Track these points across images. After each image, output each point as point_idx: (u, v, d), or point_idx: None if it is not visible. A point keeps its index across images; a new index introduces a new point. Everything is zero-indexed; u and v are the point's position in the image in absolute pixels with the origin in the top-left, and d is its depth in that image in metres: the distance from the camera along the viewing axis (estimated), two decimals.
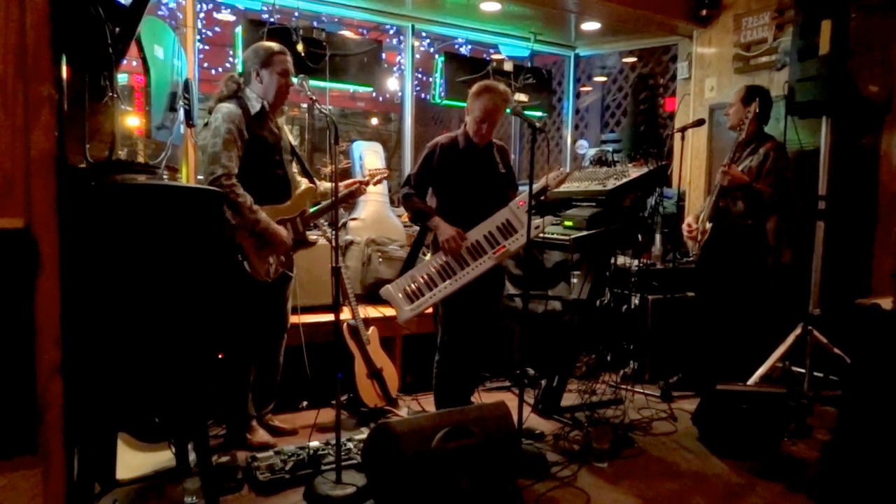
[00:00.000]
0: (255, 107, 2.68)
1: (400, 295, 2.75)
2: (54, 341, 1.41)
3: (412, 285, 2.76)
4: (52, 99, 1.37)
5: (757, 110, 3.34)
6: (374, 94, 5.23)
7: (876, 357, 2.36)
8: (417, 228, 4.12)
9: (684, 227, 3.70)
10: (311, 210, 2.90)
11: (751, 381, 3.33)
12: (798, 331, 3.41)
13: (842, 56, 3.11)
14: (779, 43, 4.06)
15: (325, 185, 3.02)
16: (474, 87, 2.84)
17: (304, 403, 3.31)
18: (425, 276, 2.76)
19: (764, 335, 3.53)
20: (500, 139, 3.08)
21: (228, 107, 2.62)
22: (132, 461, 2.42)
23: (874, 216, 3.56)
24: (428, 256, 3.01)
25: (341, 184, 3.00)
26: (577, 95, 5.86)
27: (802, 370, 3.45)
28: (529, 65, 5.18)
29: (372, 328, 3.26)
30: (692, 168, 4.69)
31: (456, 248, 2.72)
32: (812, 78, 3.28)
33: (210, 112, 2.67)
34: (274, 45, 2.76)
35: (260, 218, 2.60)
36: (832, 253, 3.52)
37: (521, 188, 2.98)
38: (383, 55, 4.42)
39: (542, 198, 2.93)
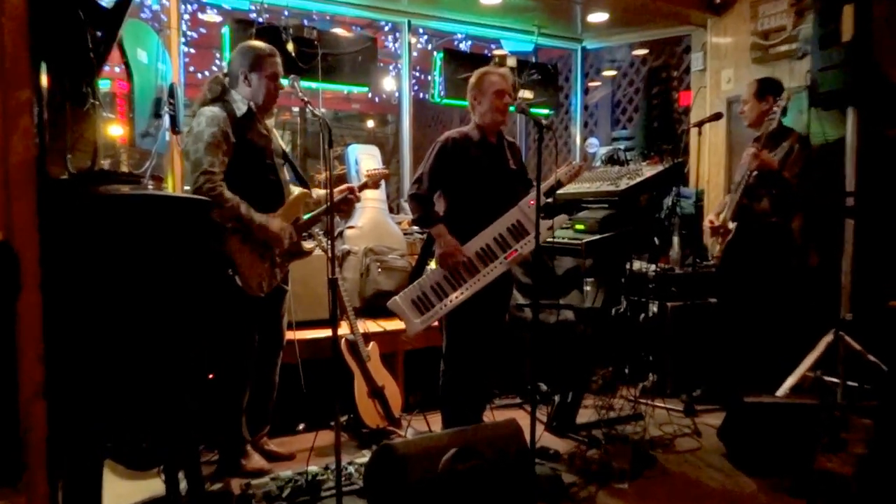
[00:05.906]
0: (241, 109, 2.69)
1: (408, 307, 2.73)
2: (37, 360, 1.42)
3: (421, 296, 2.74)
4: (32, 105, 1.39)
5: (785, 105, 3.35)
6: (369, 95, 5.27)
7: None
8: (418, 236, 4.13)
9: (706, 223, 3.71)
10: (305, 217, 2.92)
11: (780, 393, 3.31)
12: (829, 337, 3.39)
13: (866, 42, 3.12)
14: (799, 30, 4.07)
15: (319, 193, 3.04)
16: (475, 75, 2.86)
17: (302, 426, 3.32)
18: (434, 286, 2.75)
19: (793, 342, 3.52)
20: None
21: (212, 110, 2.64)
22: (120, 490, 2.42)
23: None
24: (433, 264, 3.01)
25: (333, 190, 3.01)
26: (586, 91, 5.89)
27: (836, 379, 3.43)
28: (534, 60, 5.22)
29: (372, 343, 3.27)
30: (710, 165, 4.70)
31: (453, 265, 2.73)
32: (835, 66, 3.29)
33: (194, 116, 2.69)
34: (263, 47, 2.78)
35: (253, 217, 2.62)
36: (863, 253, 3.51)
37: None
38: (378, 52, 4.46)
39: (552, 199, 2.94)
